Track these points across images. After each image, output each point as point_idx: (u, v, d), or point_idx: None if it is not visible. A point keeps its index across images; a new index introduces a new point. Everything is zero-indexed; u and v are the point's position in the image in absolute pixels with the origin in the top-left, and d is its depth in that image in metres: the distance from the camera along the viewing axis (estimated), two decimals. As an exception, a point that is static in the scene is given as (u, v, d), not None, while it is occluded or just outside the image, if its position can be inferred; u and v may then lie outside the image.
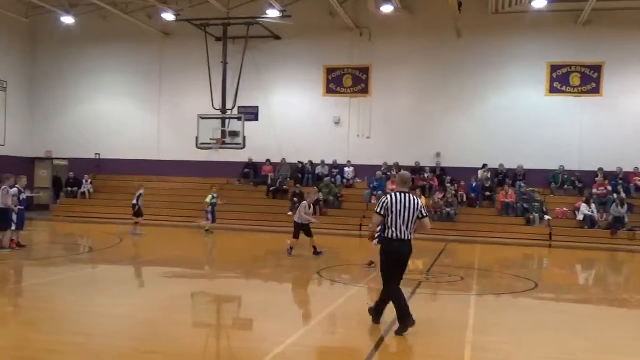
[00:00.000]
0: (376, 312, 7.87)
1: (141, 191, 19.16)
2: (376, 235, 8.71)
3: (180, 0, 25.03)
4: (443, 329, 8.08)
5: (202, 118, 23.91)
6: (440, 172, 24.56)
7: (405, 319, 7.38)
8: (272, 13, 23.35)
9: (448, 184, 23.52)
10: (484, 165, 24.03)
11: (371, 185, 24.33)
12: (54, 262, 13.51)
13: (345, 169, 25.43)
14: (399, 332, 7.34)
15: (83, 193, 26.77)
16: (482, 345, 7.19)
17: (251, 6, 23.84)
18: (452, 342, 7.37)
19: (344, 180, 25.24)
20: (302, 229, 14.38)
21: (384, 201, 7.53)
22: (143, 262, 13.96)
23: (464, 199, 23.39)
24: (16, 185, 14.20)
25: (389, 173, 24.58)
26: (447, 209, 22.42)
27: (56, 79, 28.63)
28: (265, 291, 11.13)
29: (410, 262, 15.92)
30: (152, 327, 7.84)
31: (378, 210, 7.55)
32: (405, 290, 10.70)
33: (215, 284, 11.71)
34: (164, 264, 13.69)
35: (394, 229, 7.43)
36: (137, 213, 18.89)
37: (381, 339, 7.17)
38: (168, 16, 24.86)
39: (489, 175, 23.88)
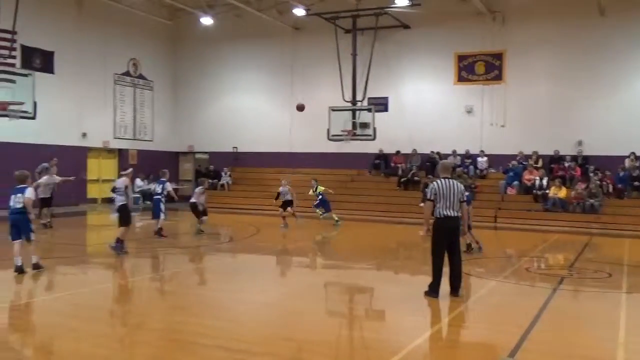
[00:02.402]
0: (451, 286, 8.86)
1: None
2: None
3: (311, -5, 25.50)
4: (591, 329, 7.62)
5: (333, 110, 24.27)
6: (583, 162, 23.11)
7: (433, 292, 8.76)
8: (401, 2, 23.12)
9: (591, 174, 22.07)
10: (632, 154, 22.28)
11: (507, 175, 23.44)
12: (199, 250, 14.36)
13: (479, 159, 24.69)
14: (426, 293, 8.85)
15: (222, 185, 28.19)
16: (637, 348, 6.69)
17: (380, -4, 23.77)
18: (602, 342, 6.93)
19: (477, 171, 24.53)
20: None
21: (432, 187, 8.85)
22: (279, 252, 14.45)
23: (610, 189, 21.83)
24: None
25: (525, 163, 23.55)
26: (590, 200, 21.06)
27: (196, 78, 30.34)
28: (398, 283, 11.10)
29: (550, 257, 15.16)
30: (290, 315, 8.11)
31: (429, 196, 8.86)
32: (547, 286, 10.26)
33: (348, 274, 11.87)
34: (299, 254, 14.09)
35: (441, 208, 8.72)
36: None
37: (524, 336, 6.89)
38: (299, 11, 25.44)
39: (637, 164, 22.12)
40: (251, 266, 12.41)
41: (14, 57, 21.21)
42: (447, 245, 8.83)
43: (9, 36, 19.50)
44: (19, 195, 10.22)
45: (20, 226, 10.25)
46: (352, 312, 8.84)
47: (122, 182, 13.12)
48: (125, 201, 12.88)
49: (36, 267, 10.37)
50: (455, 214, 8.78)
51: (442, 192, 8.72)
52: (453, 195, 8.73)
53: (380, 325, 7.94)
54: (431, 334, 7.31)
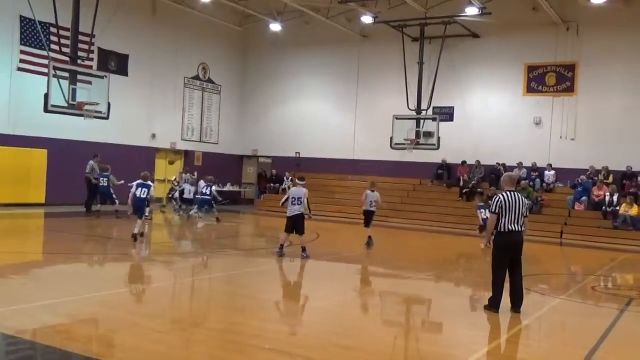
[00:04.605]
0: (512, 302, 8.70)
1: None
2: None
3: (379, 3, 25.46)
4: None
5: (397, 119, 24.17)
6: (657, 178, 22.10)
7: (493, 307, 8.63)
8: (471, 11, 22.77)
9: (666, 192, 21.09)
10: None
11: (575, 190, 22.67)
12: (257, 253, 14.54)
13: (546, 172, 23.99)
14: (486, 307, 8.76)
15: (284, 189, 28.43)
16: None
17: (449, 5, 23.46)
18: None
19: (544, 185, 23.84)
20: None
21: (498, 199, 8.62)
22: (338, 259, 14.46)
23: (687, 209, 20.79)
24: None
25: (595, 178, 22.73)
26: (664, 219, 20.12)
27: (263, 83, 30.80)
28: (457, 295, 10.92)
29: (618, 276, 14.60)
30: (346, 323, 8.09)
31: (493, 209, 8.63)
32: (613, 307, 9.87)
33: (406, 284, 11.76)
34: (358, 262, 14.06)
35: (506, 222, 8.53)
36: None
37: (588, 358, 6.64)
38: (367, 19, 25.46)
39: None
40: (309, 271, 12.48)
41: (91, 59, 22.15)
42: (510, 260, 8.66)
43: (87, 39, 20.37)
44: (144, 189, 14.17)
45: (140, 209, 14.22)
46: (409, 322, 8.75)
47: (303, 192, 13.26)
48: (302, 211, 13.18)
49: (137, 236, 13.95)
50: (519, 229, 8.61)
51: (507, 205, 8.53)
52: (518, 209, 8.55)
53: (437, 338, 7.83)
54: (489, 350, 7.15)
